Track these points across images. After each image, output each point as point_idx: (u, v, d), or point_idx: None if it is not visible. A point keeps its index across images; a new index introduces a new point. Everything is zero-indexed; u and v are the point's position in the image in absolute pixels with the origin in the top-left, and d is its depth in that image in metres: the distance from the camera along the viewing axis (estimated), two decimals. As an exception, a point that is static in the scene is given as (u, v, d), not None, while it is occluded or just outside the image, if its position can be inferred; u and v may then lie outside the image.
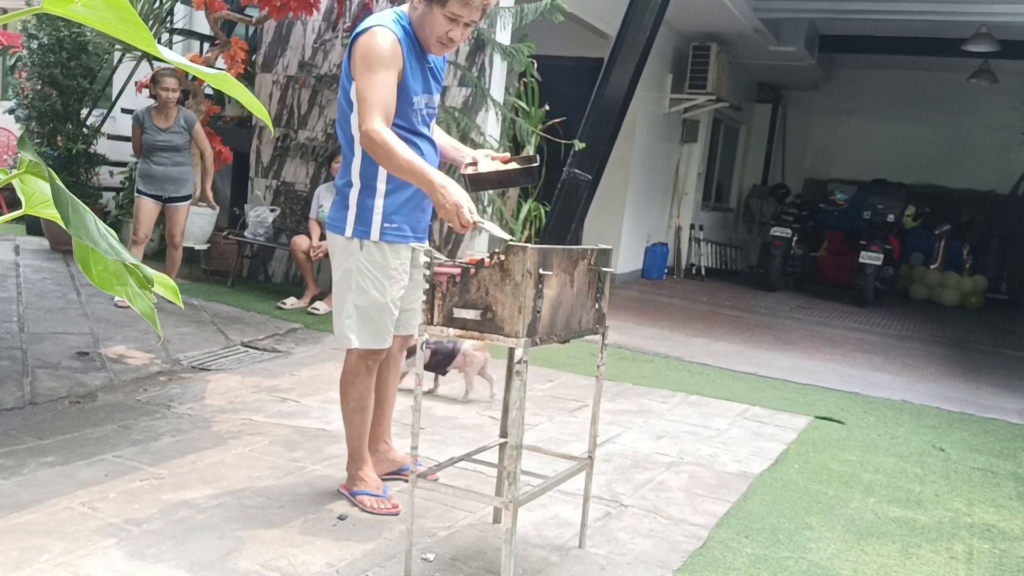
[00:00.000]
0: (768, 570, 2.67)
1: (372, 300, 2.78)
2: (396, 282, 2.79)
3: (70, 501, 2.74)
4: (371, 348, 2.83)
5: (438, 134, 2.96)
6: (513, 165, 2.72)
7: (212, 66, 5.72)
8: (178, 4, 8.50)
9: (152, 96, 6.05)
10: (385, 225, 2.74)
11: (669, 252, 11.20)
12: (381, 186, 2.74)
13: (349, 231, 2.77)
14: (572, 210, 6.85)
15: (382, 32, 2.62)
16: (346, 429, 2.95)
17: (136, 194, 5.99)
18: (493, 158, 2.76)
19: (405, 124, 2.70)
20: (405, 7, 2.73)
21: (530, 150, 6.58)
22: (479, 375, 4.33)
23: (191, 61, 1.19)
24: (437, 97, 2.88)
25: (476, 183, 2.73)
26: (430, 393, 4.35)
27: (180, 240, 6.15)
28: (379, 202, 2.74)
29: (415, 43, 2.70)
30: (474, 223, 2.47)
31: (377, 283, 2.77)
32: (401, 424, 3.66)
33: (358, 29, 2.68)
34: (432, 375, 4.35)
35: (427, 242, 2.99)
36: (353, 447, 2.95)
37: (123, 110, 8.91)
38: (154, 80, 5.96)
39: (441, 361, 4.25)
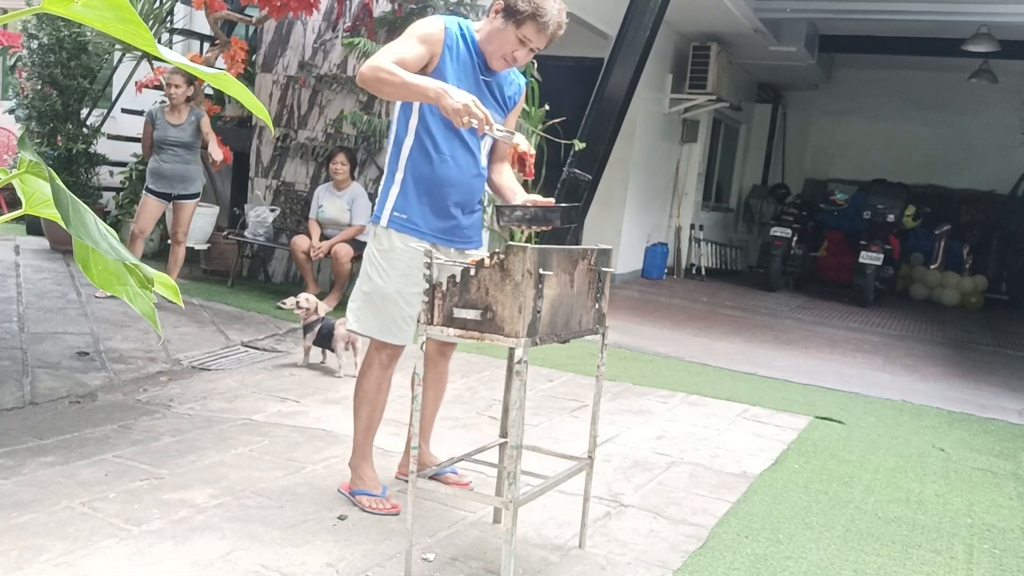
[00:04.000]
0: (768, 570, 2.67)
1: (376, 288, 2.79)
2: (404, 275, 2.76)
3: (70, 501, 2.74)
4: (377, 339, 2.83)
5: (507, 176, 2.92)
6: (550, 201, 2.62)
7: (212, 66, 5.74)
8: (178, 4, 8.50)
9: (167, 96, 6.19)
10: (395, 213, 2.78)
11: (669, 252, 11.20)
12: (399, 174, 2.79)
13: (372, 217, 2.89)
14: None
15: (433, 17, 2.76)
16: (353, 419, 2.95)
17: (144, 191, 6.05)
18: (539, 203, 2.63)
19: (442, 116, 2.60)
20: (477, 24, 2.80)
21: (530, 150, 6.57)
22: (347, 349, 4.64)
23: (191, 61, 1.18)
24: (493, 114, 2.70)
25: (506, 217, 2.58)
26: (315, 364, 4.80)
27: (184, 238, 6.24)
28: (394, 189, 2.80)
29: (472, 51, 2.75)
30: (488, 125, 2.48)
31: (382, 271, 2.78)
32: (400, 424, 3.66)
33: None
34: (320, 349, 4.78)
35: (478, 245, 2.94)
36: (356, 440, 2.95)
37: (123, 110, 8.91)
38: (165, 80, 6.14)
39: (326, 336, 4.62)
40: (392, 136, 2.84)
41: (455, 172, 2.76)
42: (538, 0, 2.63)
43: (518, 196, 2.79)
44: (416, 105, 2.74)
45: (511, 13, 2.66)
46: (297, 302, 4.72)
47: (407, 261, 2.76)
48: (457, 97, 2.46)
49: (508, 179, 2.93)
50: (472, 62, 2.76)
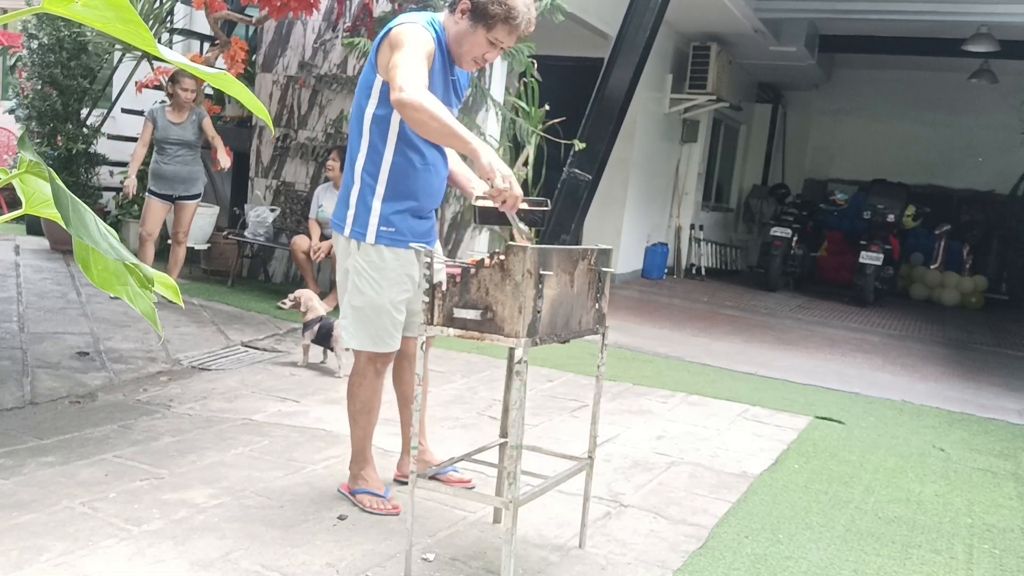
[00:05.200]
0: (768, 570, 2.67)
1: (369, 301, 2.76)
2: (396, 284, 2.77)
3: (70, 501, 2.74)
4: (371, 351, 2.82)
5: (454, 160, 2.91)
6: (523, 205, 2.66)
7: (212, 66, 5.74)
8: (178, 4, 8.50)
9: (169, 95, 6.17)
10: (382, 228, 2.71)
11: (669, 252, 11.20)
12: (380, 189, 2.71)
13: (347, 231, 2.76)
14: (572, 210, 6.85)
15: (419, 27, 2.62)
16: (351, 429, 2.95)
17: (147, 193, 6.05)
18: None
19: None
20: (440, 15, 2.73)
21: (530, 150, 6.58)
22: (347, 349, 4.52)
23: (191, 61, 1.18)
24: (456, 111, 2.83)
25: (484, 216, 2.66)
26: (315, 364, 4.80)
27: (184, 238, 6.24)
28: (377, 205, 2.71)
29: (445, 53, 2.70)
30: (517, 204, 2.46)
31: (374, 284, 2.75)
32: (397, 423, 3.66)
33: (393, 23, 2.67)
34: (321, 349, 4.78)
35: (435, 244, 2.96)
36: (356, 447, 2.95)
37: (123, 110, 8.91)
38: (173, 80, 6.09)
39: (325, 335, 4.62)
40: (363, 147, 2.73)
41: (436, 179, 2.76)
42: (508, 2, 2.59)
43: (475, 185, 2.74)
44: (396, 118, 2.67)
45: (480, 16, 2.60)
46: (290, 296, 4.74)
47: (398, 270, 2.76)
48: (498, 164, 2.40)
49: (458, 164, 2.93)
50: (444, 64, 2.71)
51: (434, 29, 2.66)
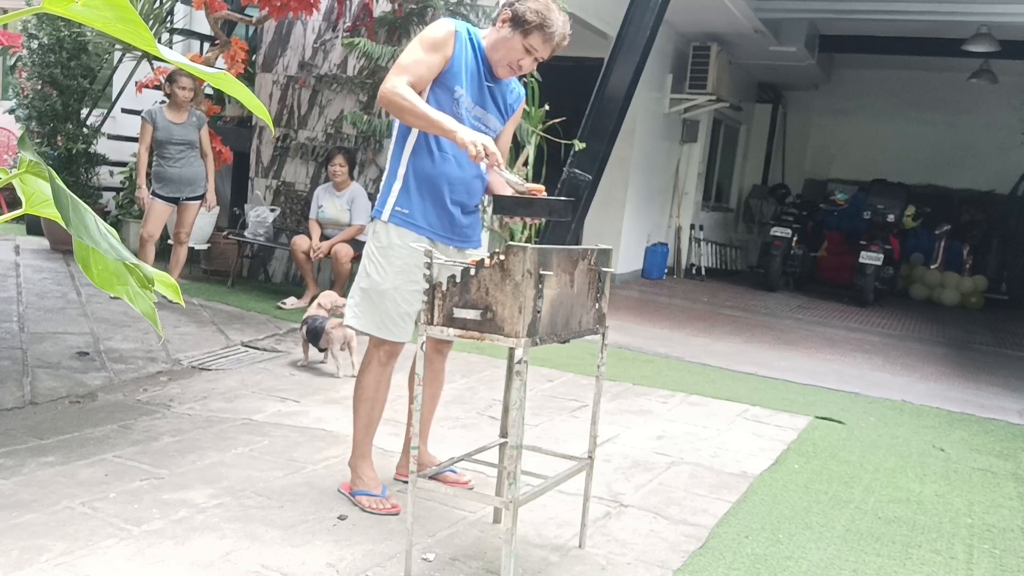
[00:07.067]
0: (768, 570, 2.67)
1: (373, 284, 2.82)
2: (401, 273, 2.79)
3: (70, 501, 2.74)
4: (374, 335, 2.85)
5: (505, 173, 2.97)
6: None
7: (212, 66, 5.74)
8: (178, 4, 8.50)
9: (167, 95, 6.17)
10: (396, 208, 2.81)
11: (669, 252, 11.19)
12: (401, 170, 2.84)
13: (373, 211, 2.92)
14: (572, 210, 6.83)
15: (441, 21, 2.82)
16: (353, 417, 2.96)
17: (151, 196, 6.03)
18: (532, 191, 2.73)
19: (444, 111, 2.73)
20: (483, 31, 2.87)
21: (530, 150, 6.58)
22: (343, 350, 4.61)
23: (191, 61, 1.18)
24: (494, 120, 2.91)
25: (500, 206, 2.74)
26: (315, 364, 4.79)
27: (186, 238, 6.24)
28: (397, 185, 2.84)
29: (478, 57, 2.82)
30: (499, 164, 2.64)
31: (379, 268, 2.81)
32: (398, 423, 3.66)
33: None
34: (325, 351, 4.71)
35: (476, 245, 2.98)
36: (355, 438, 2.96)
37: (123, 110, 8.91)
38: (170, 79, 6.08)
39: (315, 335, 4.62)
40: (395, 133, 2.89)
41: (456, 170, 2.80)
42: (545, 11, 2.71)
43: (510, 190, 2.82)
44: None
45: (518, 23, 2.73)
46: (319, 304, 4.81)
47: (404, 259, 2.79)
48: (472, 137, 2.58)
49: (507, 175, 2.95)
50: (478, 69, 2.84)
51: (466, 29, 2.81)
